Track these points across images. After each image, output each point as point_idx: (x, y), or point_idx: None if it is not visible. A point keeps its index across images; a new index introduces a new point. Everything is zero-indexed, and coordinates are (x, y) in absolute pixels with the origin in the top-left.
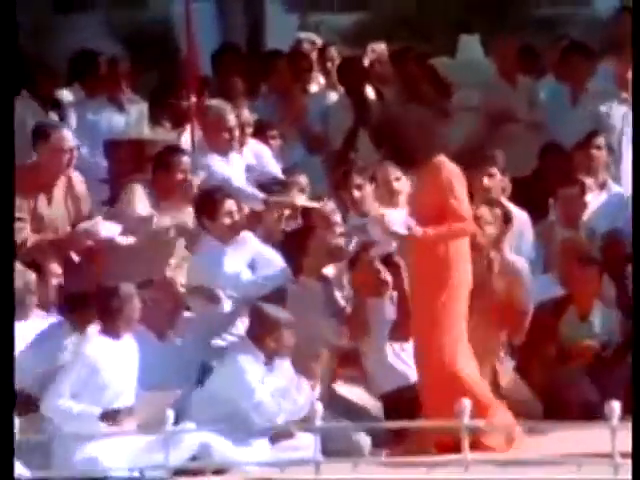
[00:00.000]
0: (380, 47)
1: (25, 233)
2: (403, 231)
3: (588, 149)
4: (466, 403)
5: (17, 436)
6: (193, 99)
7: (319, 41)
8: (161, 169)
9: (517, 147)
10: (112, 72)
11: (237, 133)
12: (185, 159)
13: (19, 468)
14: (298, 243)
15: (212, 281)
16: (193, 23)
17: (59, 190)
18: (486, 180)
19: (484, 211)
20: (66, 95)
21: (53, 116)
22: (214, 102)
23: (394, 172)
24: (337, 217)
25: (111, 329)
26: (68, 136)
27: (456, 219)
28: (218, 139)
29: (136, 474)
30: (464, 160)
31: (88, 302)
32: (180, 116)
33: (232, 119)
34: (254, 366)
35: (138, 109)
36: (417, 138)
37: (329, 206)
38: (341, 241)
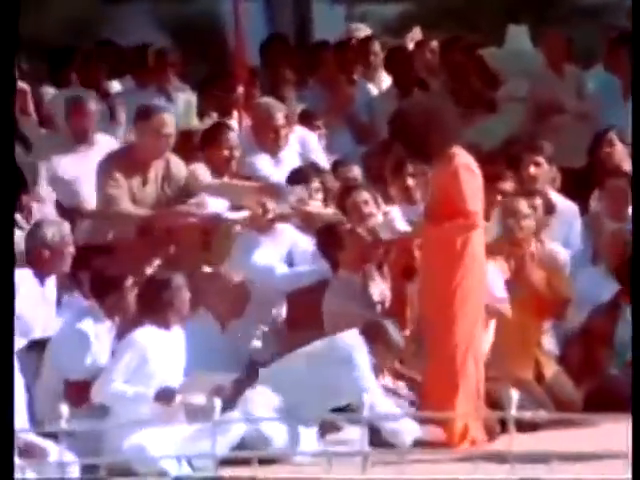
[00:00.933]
0: (417, 34)
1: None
2: (405, 228)
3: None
4: (514, 394)
5: (64, 424)
6: (240, 90)
7: (367, 31)
8: (209, 146)
9: (567, 138)
10: (160, 63)
11: (285, 132)
12: (232, 135)
13: (68, 456)
14: (333, 236)
15: (245, 273)
16: (241, 14)
17: (154, 172)
18: (532, 169)
19: (522, 205)
20: (115, 86)
21: (103, 106)
22: (264, 100)
23: (410, 168)
24: (371, 208)
25: (162, 320)
26: (169, 120)
27: (460, 214)
28: (265, 138)
29: (184, 463)
30: (510, 150)
31: (121, 288)
32: (227, 107)
33: (280, 118)
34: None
35: (186, 100)
36: (432, 131)
37: (363, 197)
38: (376, 232)
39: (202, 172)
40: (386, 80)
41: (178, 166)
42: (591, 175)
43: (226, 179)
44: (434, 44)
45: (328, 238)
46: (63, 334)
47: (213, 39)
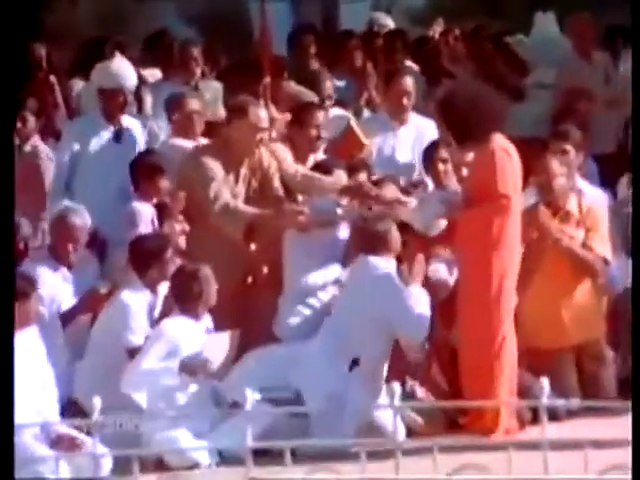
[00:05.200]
0: (440, 25)
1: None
2: (441, 209)
3: None
4: (544, 382)
5: (97, 416)
6: (267, 80)
7: (390, 22)
8: (295, 125)
9: (596, 124)
10: (186, 54)
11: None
12: (319, 114)
13: (100, 447)
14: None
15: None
16: (268, 4)
17: (246, 168)
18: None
19: (554, 164)
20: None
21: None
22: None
23: (442, 153)
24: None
25: (192, 310)
26: (263, 114)
27: (491, 196)
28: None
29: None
30: (539, 137)
31: (162, 259)
32: (254, 97)
33: (321, 117)
34: None
35: (213, 90)
36: (479, 115)
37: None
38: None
39: (286, 157)
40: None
41: (269, 159)
42: (620, 161)
43: (308, 164)
44: (459, 32)
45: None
46: (107, 310)
47: (239, 29)
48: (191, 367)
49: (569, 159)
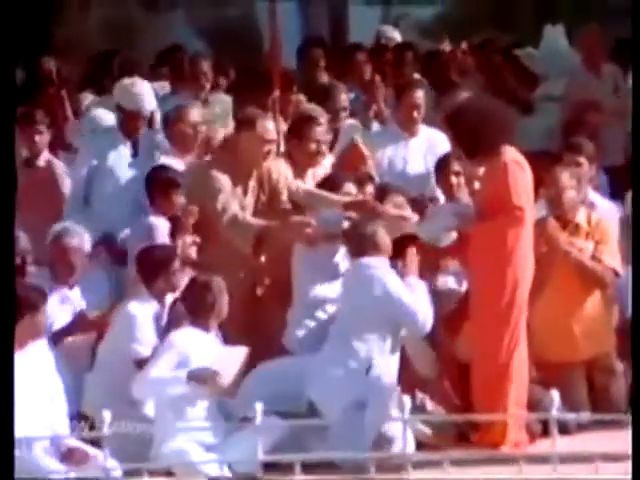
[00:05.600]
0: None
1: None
2: (454, 221)
3: None
4: (555, 395)
5: (106, 429)
6: (277, 93)
7: (397, 35)
8: (294, 140)
9: (604, 136)
10: (196, 68)
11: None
12: (319, 129)
13: (109, 461)
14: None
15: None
16: (277, 17)
17: (254, 181)
18: (573, 169)
19: (564, 176)
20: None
21: None
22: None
23: (454, 166)
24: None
25: (203, 322)
26: (271, 127)
27: (505, 209)
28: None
29: (225, 468)
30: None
31: (168, 270)
32: (263, 110)
33: (322, 131)
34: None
35: (222, 104)
36: (487, 130)
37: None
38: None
39: (288, 174)
40: None
41: (278, 172)
42: (630, 173)
43: (309, 179)
44: (468, 45)
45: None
46: (114, 322)
47: (249, 42)
48: (200, 377)
49: (582, 172)
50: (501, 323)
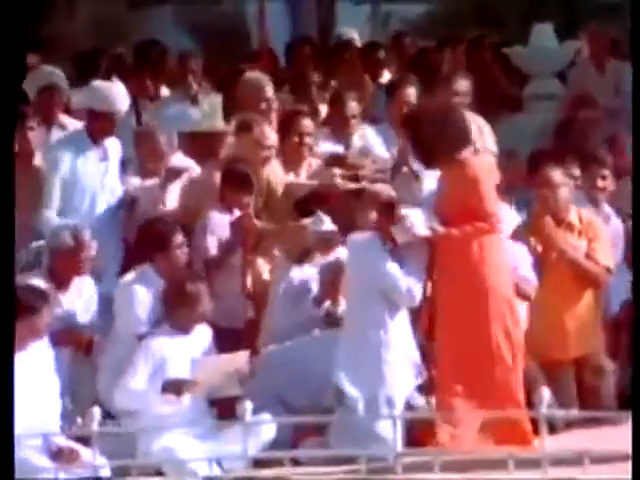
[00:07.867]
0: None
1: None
2: (425, 232)
3: None
4: (545, 392)
5: (96, 426)
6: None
7: (355, 35)
8: (280, 134)
9: (600, 134)
10: (184, 66)
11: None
12: (306, 122)
13: (98, 459)
14: None
15: None
16: (266, 15)
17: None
18: (600, 182)
19: (556, 175)
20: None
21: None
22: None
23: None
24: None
25: (181, 325)
26: (269, 132)
27: (481, 217)
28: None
29: (213, 465)
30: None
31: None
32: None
33: (308, 125)
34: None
35: (211, 102)
36: (439, 137)
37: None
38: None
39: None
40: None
41: (275, 177)
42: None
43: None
44: (457, 44)
45: None
46: (116, 296)
47: (238, 40)
48: (175, 388)
49: (603, 183)
50: (472, 333)
